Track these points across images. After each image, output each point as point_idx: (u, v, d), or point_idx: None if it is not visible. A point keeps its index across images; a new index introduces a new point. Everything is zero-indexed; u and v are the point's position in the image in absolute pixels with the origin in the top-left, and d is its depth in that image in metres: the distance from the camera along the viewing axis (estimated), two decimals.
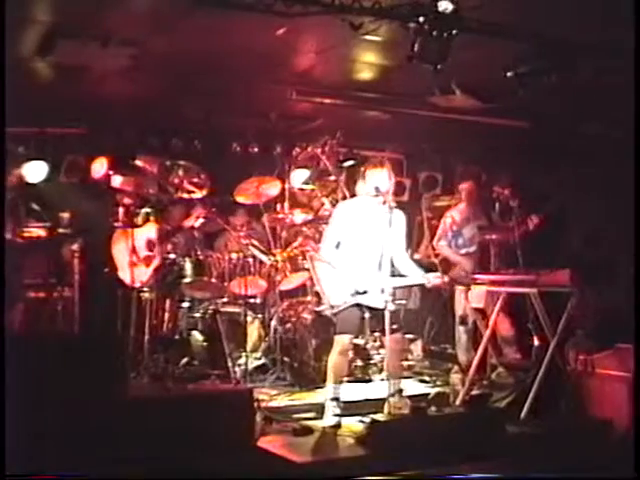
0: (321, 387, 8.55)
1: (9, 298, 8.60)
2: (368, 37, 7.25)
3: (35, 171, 9.98)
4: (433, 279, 8.05)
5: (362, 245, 7.76)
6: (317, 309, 7.90)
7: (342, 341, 7.84)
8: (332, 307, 7.67)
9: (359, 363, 9.69)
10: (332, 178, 10.98)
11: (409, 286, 8.26)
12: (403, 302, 7.95)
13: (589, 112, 9.26)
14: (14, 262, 8.82)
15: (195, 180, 10.44)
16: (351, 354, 8.54)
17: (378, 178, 7.79)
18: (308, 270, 10.03)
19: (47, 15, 7.00)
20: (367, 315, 7.74)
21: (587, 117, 9.47)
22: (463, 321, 9.88)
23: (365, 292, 7.56)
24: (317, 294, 10.03)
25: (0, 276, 4.95)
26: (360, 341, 9.29)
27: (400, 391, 7.83)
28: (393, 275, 7.83)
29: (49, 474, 5.55)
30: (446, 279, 8.24)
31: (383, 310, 7.39)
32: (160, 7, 6.73)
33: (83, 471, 5.67)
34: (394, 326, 7.61)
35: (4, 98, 5.14)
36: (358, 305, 7.67)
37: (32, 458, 5.63)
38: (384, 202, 7.60)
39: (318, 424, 7.77)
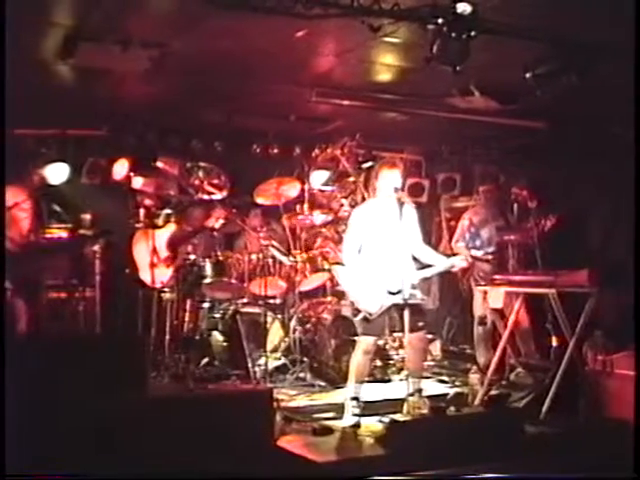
0: (341, 387, 8.60)
1: (31, 298, 8.69)
2: (387, 39, 7.27)
3: (57, 173, 10.02)
4: (459, 262, 8.10)
5: (383, 245, 7.79)
6: (355, 319, 7.87)
7: (367, 341, 7.87)
8: (370, 314, 7.68)
9: (378, 363, 9.72)
10: (351, 179, 11.03)
11: (436, 274, 8.26)
12: (423, 302, 7.95)
13: (607, 112, 9.26)
14: (36, 263, 8.88)
15: (215, 181, 10.52)
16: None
17: (392, 178, 7.84)
18: (328, 271, 10.08)
19: (68, 18, 7.04)
20: (390, 315, 7.78)
21: (605, 117, 9.46)
22: (482, 321, 9.89)
23: (399, 292, 7.57)
24: (336, 294, 10.12)
25: (1, 276, 4.99)
26: (380, 341, 9.30)
27: (419, 391, 7.86)
28: (418, 268, 7.92)
29: (50, 474, 5.58)
30: (470, 260, 8.29)
31: (414, 306, 7.48)
32: (180, 9, 6.77)
33: (101, 470, 5.71)
34: (420, 324, 7.68)
35: (4, 98, 5.19)
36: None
37: (51, 457, 5.69)
38: (397, 200, 7.65)
39: (338, 424, 7.79)
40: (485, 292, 9.08)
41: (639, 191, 6.84)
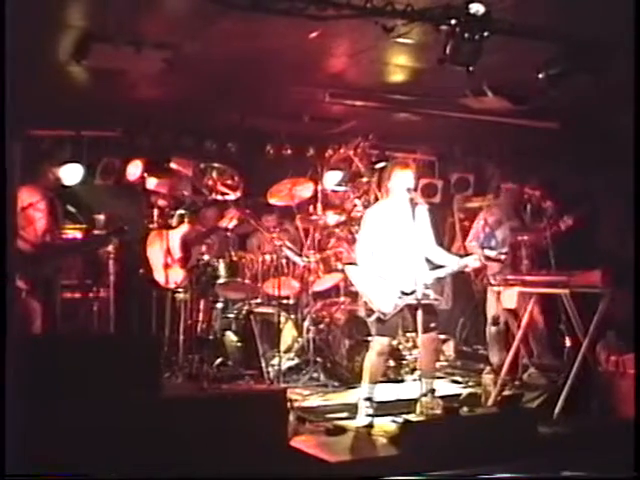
0: (354, 387, 8.61)
1: (45, 298, 8.73)
2: (400, 40, 7.29)
3: (71, 173, 10.07)
4: (472, 262, 8.12)
5: (396, 246, 7.80)
6: (369, 320, 7.90)
7: (381, 342, 7.89)
8: (384, 315, 7.70)
9: (392, 363, 9.72)
10: (364, 180, 11.03)
11: (449, 274, 8.28)
12: (436, 302, 7.97)
13: (621, 112, 9.25)
14: (50, 263, 8.92)
15: (229, 182, 10.53)
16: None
17: (405, 178, 7.86)
18: (341, 271, 10.08)
19: (82, 20, 7.07)
20: (404, 315, 7.80)
21: (619, 117, 9.45)
22: (495, 322, 9.88)
23: (413, 292, 7.58)
24: (349, 295, 10.12)
25: (1, 277, 5.00)
26: (393, 342, 9.29)
27: (432, 391, 7.87)
28: (431, 269, 7.93)
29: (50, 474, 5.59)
30: (483, 259, 8.29)
31: (427, 306, 7.52)
32: (194, 11, 6.79)
33: (113, 471, 5.73)
34: (432, 324, 7.70)
35: (4, 97, 5.21)
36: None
37: (61, 458, 5.71)
38: (410, 201, 7.68)
39: (351, 424, 7.81)
40: (499, 292, 9.09)
41: (639, 192, 6.85)
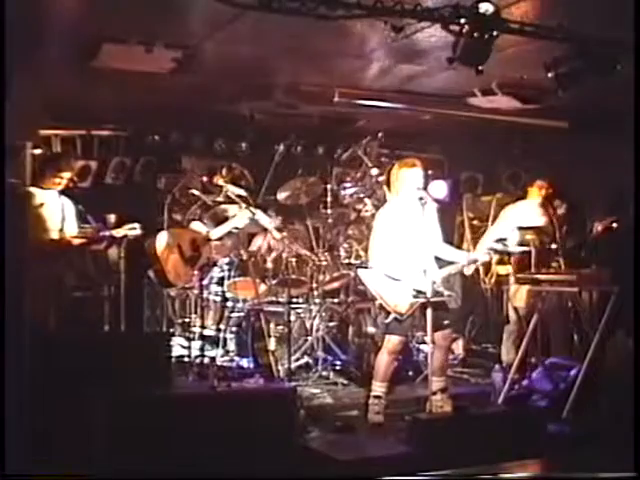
0: (363, 386, 8.63)
1: (55, 297, 8.76)
2: (410, 39, 7.30)
3: (82, 173, 10.10)
4: (482, 257, 8.15)
5: (408, 245, 7.82)
6: (386, 321, 7.91)
7: (394, 341, 7.91)
8: (401, 315, 7.72)
9: (403, 361, 9.74)
10: (374, 179, 11.04)
11: (459, 269, 8.31)
12: (449, 298, 8.00)
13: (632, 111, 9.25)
14: (61, 262, 8.95)
15: (239, 181, 10.56)
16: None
17: (413, 177, 7.87)
18: (351, 270, 10.11)
19: (92, 19, 7.10)
20: (416, 314, 7.82)
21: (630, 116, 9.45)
22: (505, 320, 9.88)
23: (426, 290, 7.60)
24: (359, 294, 10.13)
25: (1, 277, 5.02)
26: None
27: (442, 390, 7.89)
28: (441, 266, 7.96)
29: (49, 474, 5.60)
30: (491, 254, 8.29)
31: (439, 304, 7.56)
32: (204, 11, 6.82)
33: (121, 469, 5.75)
34: (445, 322, 7.72)
35: (4, 96, 5.24)
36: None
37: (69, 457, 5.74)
38: (419, 199, 7.69)
39: (361, 422, 7.83)
40: (508, 290, 9.09)
41: (639, 192, 6.85)
